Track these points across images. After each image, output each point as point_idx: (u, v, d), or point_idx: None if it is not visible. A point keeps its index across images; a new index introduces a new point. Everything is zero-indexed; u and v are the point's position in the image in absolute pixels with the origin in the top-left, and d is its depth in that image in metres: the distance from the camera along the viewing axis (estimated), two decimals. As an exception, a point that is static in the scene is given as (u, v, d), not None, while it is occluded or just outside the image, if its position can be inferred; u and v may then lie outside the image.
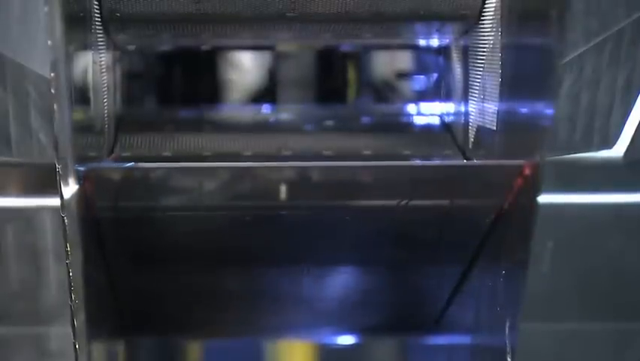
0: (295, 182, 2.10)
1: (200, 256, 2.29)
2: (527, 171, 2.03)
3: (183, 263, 2.30)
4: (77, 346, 1.89)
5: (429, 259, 2.30)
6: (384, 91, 2.88)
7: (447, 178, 2.13)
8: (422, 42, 2.78)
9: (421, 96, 2.85)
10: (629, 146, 1.96)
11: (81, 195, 1.95)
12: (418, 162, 2.67)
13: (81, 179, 1.95)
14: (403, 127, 2.79)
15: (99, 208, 2.04)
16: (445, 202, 2.17)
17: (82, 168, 1.97)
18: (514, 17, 2.25)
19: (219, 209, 2.13)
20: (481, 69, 2.46)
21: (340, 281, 2.43)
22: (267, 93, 2.85)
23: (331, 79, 2.89)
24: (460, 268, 2.30)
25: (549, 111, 1.91)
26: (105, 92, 2.46)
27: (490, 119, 2.33)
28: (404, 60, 2.85)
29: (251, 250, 2.30)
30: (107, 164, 2.47)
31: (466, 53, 2.60)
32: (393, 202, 2.16)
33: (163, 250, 2.24)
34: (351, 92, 2.90)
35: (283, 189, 2.08)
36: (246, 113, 2.82)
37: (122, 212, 2.08)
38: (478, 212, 2.15)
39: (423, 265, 2.33)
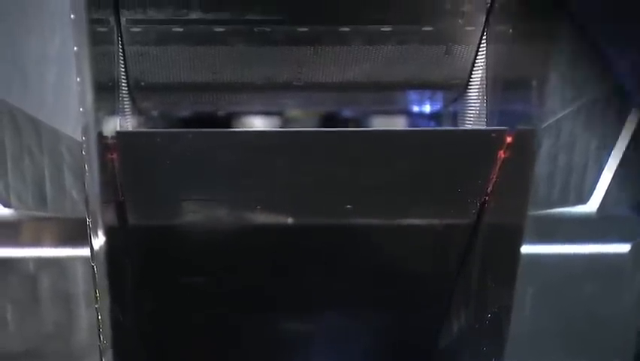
0: (296, 147, 2.10)
1: (223, 282, 2.28)
2: (510, 140, 2.00)
3: (210, 291, 2.28)
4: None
5: (419, 269, 2.30)
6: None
7: (430, 145, 2.07)
8: (416, 108, 2.85)
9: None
10: (601, 202, 2.00)
11: (108, 165, 1.96)
12: (401, 129, 2.68)
13: (108, 148, 1.96)
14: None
15: (124, 180, 2.02)
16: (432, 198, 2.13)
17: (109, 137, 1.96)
18: (498, 87, 2.34)
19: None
20: (469, 133, 2.47)
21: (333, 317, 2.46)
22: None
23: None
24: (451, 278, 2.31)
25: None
26: None
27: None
28: (400, 125, 2.92)
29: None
30: (134, 130, 2.48)
31: (456, 118, 2.68)
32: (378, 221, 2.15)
33: (187, 262, 2.22)
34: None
35: (290, 155, 2.09)
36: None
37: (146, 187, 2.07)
38: (465, 199, 2.11)
39: (411, 281, 2.32)
